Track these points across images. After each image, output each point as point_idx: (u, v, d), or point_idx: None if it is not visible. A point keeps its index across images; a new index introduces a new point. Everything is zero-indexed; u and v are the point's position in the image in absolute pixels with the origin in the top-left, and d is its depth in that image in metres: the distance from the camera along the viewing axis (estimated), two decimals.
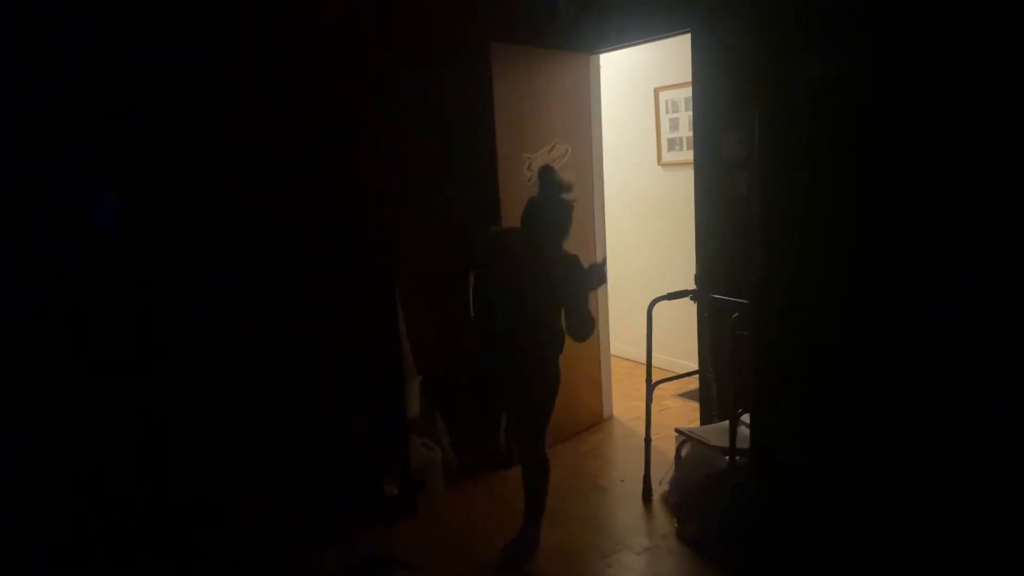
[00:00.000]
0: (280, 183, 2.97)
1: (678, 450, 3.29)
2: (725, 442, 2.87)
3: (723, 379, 3.35)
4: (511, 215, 3.62)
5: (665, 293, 3.33)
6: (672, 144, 4.95)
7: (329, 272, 3.11)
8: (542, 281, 2.68)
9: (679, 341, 4.58)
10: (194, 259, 2.80)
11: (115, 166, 2.68)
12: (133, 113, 2.67)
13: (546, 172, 2.77)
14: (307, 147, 3.03)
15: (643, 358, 3.40)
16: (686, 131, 4.78)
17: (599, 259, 2.98)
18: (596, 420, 4.28)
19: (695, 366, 3.67)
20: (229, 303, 2.87)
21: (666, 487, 3.32)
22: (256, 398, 2.93)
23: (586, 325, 2.72)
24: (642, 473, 3.39)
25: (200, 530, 2.83)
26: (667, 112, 4.92)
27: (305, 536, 3.02)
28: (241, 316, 2.89)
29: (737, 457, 2.84)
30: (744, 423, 2.87)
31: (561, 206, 2.73)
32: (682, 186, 4.69)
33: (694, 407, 4.06)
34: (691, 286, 3.49)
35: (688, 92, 4.40)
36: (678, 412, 4.38)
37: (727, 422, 2.89)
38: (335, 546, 3.03)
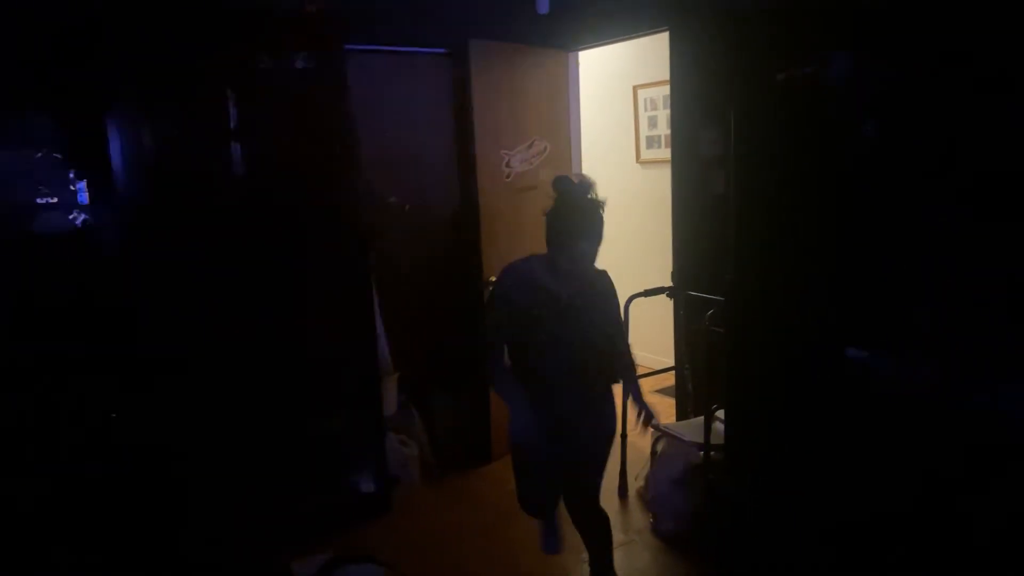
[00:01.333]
0: (256, 182, 2.93)
1: (654, 446, 3.32)
2: (700, 438, 2.90)
3: (699, 375, 3.37)
4: (489, 212, 3.62)
5: (642, 290, 3.35)
6: (651, 142, 4.97)
7: (305, 270, 3.08)
8: (590, 308, 2.32)
9: (656, 337, 4.61)
10: (167, 256, 2.77)
11: (80, 163, 2.63)
12: (100, 107, 2.63)
13: (563, 179, 2.32)
14: (283, 146, 3.00)
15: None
16: (664, 129, 4.81)
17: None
18: None
19: (672, 362, 3.69)
20: (203, 302, 2.84)
21: (642, 482, 3.34)
22: (231, 396, 2.91)
23: (630, 362, 2.42)
24: (618, 469, 3.41)
25: (172, 530, 2.80)
26: (646, 110, 4.94)
27: (279, 535, 3.00)
28: (216, 314, 2.86)
29: (712, 453, 2.86)
30: (719, 419, 2.90)
31: (591, 210, 2.29)
32: (660, 184, 4.71)
33: (670, 402, 4.09)
34: (668, 283, 3.51)
35: (667, 90, 4.42)
36: (655, 408, 4.38)
37: (702, 418, 2.92)
38: (309, 545, 3.01)
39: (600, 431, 2.45)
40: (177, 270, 2.78)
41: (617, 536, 3.05)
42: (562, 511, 2.63)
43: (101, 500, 2.65)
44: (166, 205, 2.77)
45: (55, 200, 2.52)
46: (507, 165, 3.73)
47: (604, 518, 2.51)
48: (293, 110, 3.01)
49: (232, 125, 2.85)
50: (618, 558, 2.91)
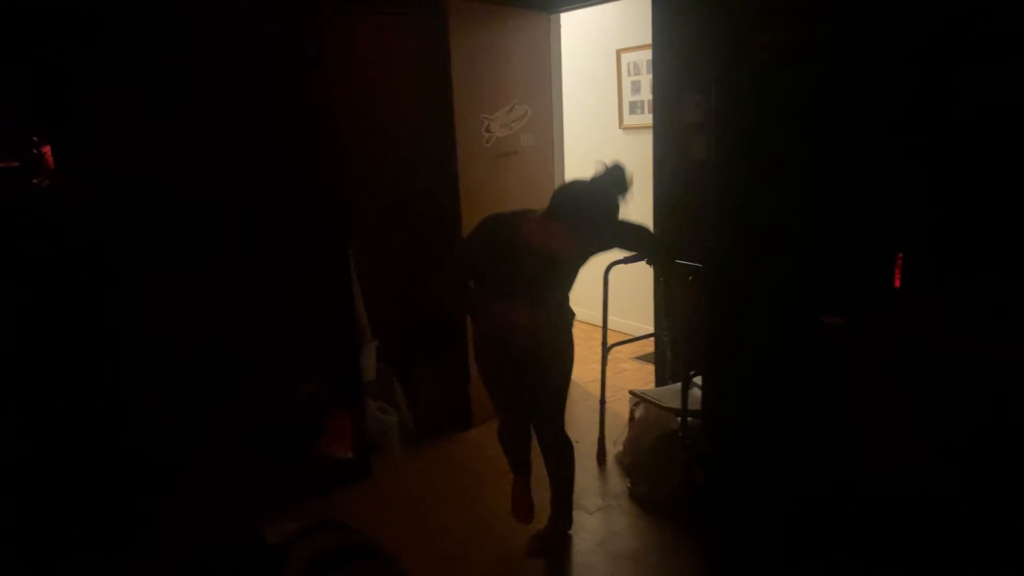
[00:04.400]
0: (229, 146, 2.86)
1: (632, 412, 3.33)
2: (677, 403, 2.91)
3: (677, 342, 3.38)
4: (469, 178, 3.57)
5: (622, 258, 3.33)
6: (634, 107, 4.92)
7: (281, 236, 3.03)
8: (560, 263, 2.39)
9: (636, 304, 4.62)
10: (142, 220, 2.70)
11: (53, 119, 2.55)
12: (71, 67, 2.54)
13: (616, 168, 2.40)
14: (260, 114, 2.93)
15: (600, 322, 3.41)
16: (648, 94, 4.75)
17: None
18: None
19: (651, 329, 3.70)
20: (179, 267, 2.79)
21: (620, 448, 3.37)
22: (208, 363, 2.87)
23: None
24: (596, 435, 3.44)
25: (148, 496, 2.79)
26: (629, 74, 4.88)
27: (257, 502, 3.00)
28: (191, 280, 2.82)
29: (689, 418, 2.88)
30: (696, 384, 2.92)
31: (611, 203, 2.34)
32: (643, 150, 4.66)
33: (650, 370, 4.11)
34: None
35: (650, 54, 4.37)
36: (634, 374, 4.43)
37: (680, 384, 2.93)
38: (288, 512, 3.02)
39: (566, 359, 2.61)
40: (150, 235, 2.72)
41: (595, 501, 3.09)
42: (537, 474, 2.79)
43: (70, 467, 2.63)
44: (139, 169, 2.70)
45: (16, 164, 2.45)
46: (487, 130, 3.67)
47: (569, 444, 2.70)
48: (263, 74, 2.93)
49: (202, 91, 2.78)
50: (595, 522, 2.94)
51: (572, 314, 2.64)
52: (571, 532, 2.85)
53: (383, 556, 1.62)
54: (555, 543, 2.77)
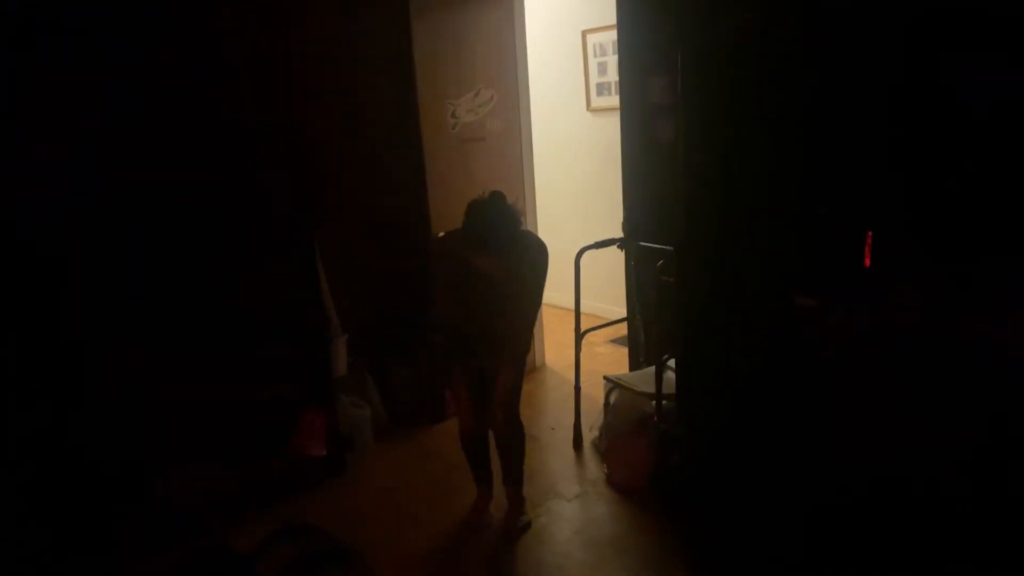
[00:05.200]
0: (192, 132, 2.77)
1: (607, 397, 3.32)
2: (652, 388, 2.90)
3: (650, 325, 3.37)
4: (435, 165, 3.51)
5: (593, 241, 3.30)
6: (601, 89, 4.87)
7: (245, 229, 2.95)
8: (510, 269, 2.50)
9: (609, 288, 4.59)
10: (104, 210, 2.61)
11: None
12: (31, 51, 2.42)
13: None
14: (219, 102, 2.83)
15: (573, 306, 3.39)
16: (615, 76, 4.70)
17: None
18: (528, 369, 4.27)
19: (624, 313, 3.68)
20: (141, 260, 2.70)
21: (596, 434, 3.36)
22: (175, 361, 2.79)
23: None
24: (571, 421, 3.42)
25: (117, 499, 2.72)
26: (595, 56, 4.83)
27: (229, 502, 2.94)
28: (154, 274, 2.73)
29: (664, 402, 2.87)
30: (670, 368, 2.91)
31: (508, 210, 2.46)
32: (611, 132, 4.62)
33: (624, 353, 4.09)
34: (619, 233, 3.47)
35: (616, 35, 4.31)
36: (609, 358, 4.42)
37: (654, 368, 2.92)
38: (261, 511, 2.96)
39: (523, 338, 2.70)
40: (108, 229, 2.63)
41: (571, 488, 3.08)
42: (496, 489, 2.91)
43: (36, 468, 2.54)
44: (97, 161, 2.60)
45: None
46: (452, 116, 3.60)
47: (520, 426, 2.78)
48: (223, 64, 2.83)
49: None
50: (573, 510, 2.93)
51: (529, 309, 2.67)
52: (542, 518, 2.83)
53: (354, 560, 1.58)
54: (512, 535, 2.78)
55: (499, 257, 2.46)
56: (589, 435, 3.41)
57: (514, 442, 2.79)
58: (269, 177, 3.00)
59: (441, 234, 2.75)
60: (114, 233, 2.65)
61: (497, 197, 2.46)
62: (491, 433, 2.81)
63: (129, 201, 2.67)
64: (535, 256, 2.57)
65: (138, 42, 2.63)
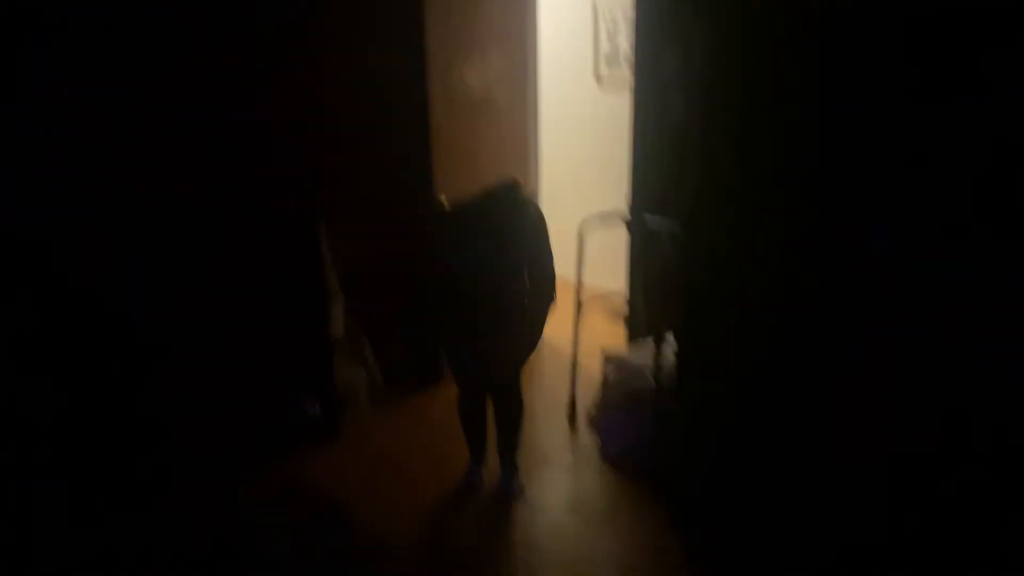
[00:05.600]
0: (198, 106, 2.72)
1: (604, 371, 3.33)
2: (649, 363, 2.91)
3: (651, 300, 3.37)
4: (441, 128, 3.46)
5: (596, 213, 3.28)
6: (611, 61, 4.80)
7: (249, 192, 2.90)
8: (513, 256, 2.58)
9: (609, 262, 4.58)
10: (105, 198, 2.57)
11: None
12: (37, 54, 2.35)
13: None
14: (227, 64, 2.76)
15: (574, 278, 3.38)
16: (624, 46, 4.63)
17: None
18: None
19: (624, 287, 3.68)
20: (143, 221, 2.66)
21: (591, 407, 3.37)
22: (173, 318, 2.77)
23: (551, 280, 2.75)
24: (567, 394, 3.43)
25: (109, 456, 2.71)
26: (606, 26, 4.74)
27: (224, 461, 2.94)
28: (156, 232, 2.69)
29: (661, 379, 2.88)
30: (669, 344, 2.91)
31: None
32: (619, 104, 4.57)
33: (622, 327, 4.10)
34: (623, 206, 3.45)
35: (627, 4, 4.24)
36: (605, 332, 4.42)
37: (651, 342, 2.92)
38: (256, 471, 2.98)
39: (519, 341, 2.73)
40: (112, 190, 2.58)
41: (565, 458, 3.10)
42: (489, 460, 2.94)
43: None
44: (103, 156, 2.55)
45: None
46: (460, 79, 3.54)
47: (520, 401, 2.82)
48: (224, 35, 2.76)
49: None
50: (567, 482, 2.96)
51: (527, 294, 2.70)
52: (534, 485, 2.85)
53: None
54: (505, 502, 2.82)
55: (505, 245, 2.55)
56: (584, 408, 3.42)
57: (513, 415, 2.81)
58: (275, 140, 2.95)
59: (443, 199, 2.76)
60: (119, 203, 2.62)
61: (510, 189, 2.58)
62: (489, 403, 2.82)
63: (131, 183, 2.63)
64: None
65: (144, 35, 2.57)
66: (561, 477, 2.98)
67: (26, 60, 2.38)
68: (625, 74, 4.58)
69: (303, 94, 3.06)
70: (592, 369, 3.64)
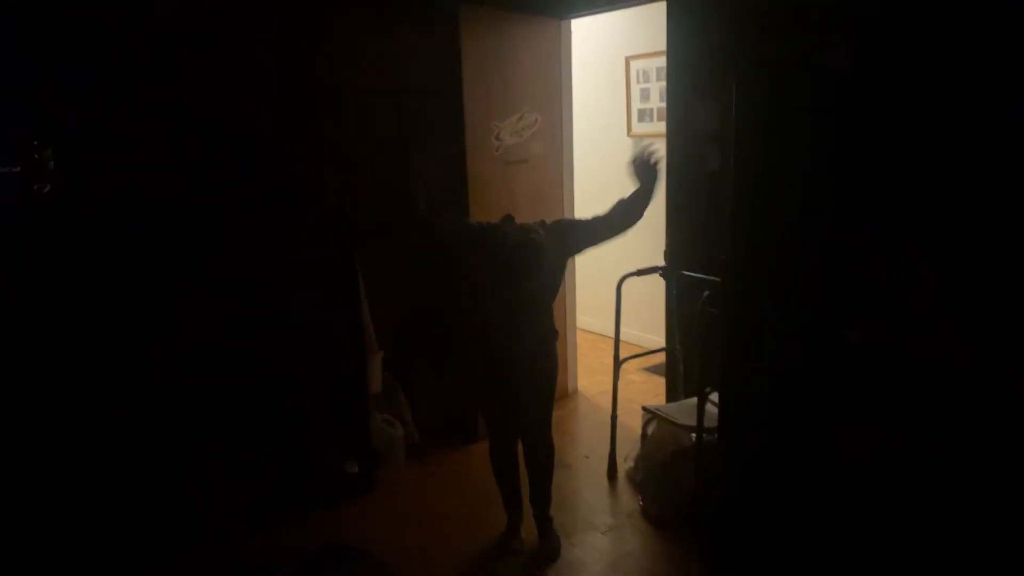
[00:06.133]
0: (241, 155, 2.80)
1: (644, 427, 3.27)
2: (692, 420, 2.84)
3: (691, 356, 3.31)
4: (478, 185, 3.51)
5: (634, 269, 3.27)
6: (642, 115, 4.86)
7: (289, 246, 2.96)
8: (536, 263, 2.52)
9: (646, 315, 4.55)
10: (145, 227, 2.63)
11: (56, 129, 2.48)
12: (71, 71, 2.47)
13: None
14: (268, 120, 2.86)
15: (608, 331, 3.35)
16: (657, 102, 4.70)
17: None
18: (560, 395, 4.23)
19: (661, 340, 3.63)
20: (182, 274, 2.72)
21: (631, 464, 3.30)
22: (212, 374, 2.80)
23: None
24: (607, 450, 3.36)
25: (150, 509, 2.72)
26: (638, 82, 4.82)
27: (261, 516, 2.92)
28: (197, 289, 2.75)
29: (704, 435, 2.81)
30: (712, 402, 2.85)
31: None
32: None
33: (659, 382, 4.04)
34: (660, 261, 3.43)
35: (660, 62, 4.31)
36: (643, 387, 4.36)
37: (694, 400, 2.86)
38: (293, 526, 2.95)
39: (551, 362, 2.72)
40: (153, 242, 2.65)
41: (605, 519, 3.02)
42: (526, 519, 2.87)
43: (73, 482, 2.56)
44: (144, 176, 2.62)
45: (17, 169, 2.38)
46: (497, 138, 3.61)
47: (550, 447, 2.78)
48: (273, 81, 2.86)
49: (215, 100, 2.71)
50: (607, 543, 2.87)
51: (555, 332, 2.72)
52: (576, 549, 2.78)
53: None
54: (543, 562, 2.74)
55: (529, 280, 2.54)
56: (624, 465, 3.35)
57: (543, 460, 2.77)
58: (316, 195, 3.02)
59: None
60: (160, 240, 2.68)
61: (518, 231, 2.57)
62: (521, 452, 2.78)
63: (176, 219, 2.69)
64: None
65: (189, 60, 2.68)
66: (601, 537, 2.90)
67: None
68: (657, 127, 4.63)
69: (343, 150, 3.14)
70: (632, 425, 3.58)
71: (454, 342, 2.92)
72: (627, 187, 4.30)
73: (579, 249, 2.72)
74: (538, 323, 2.64)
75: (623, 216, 2.67)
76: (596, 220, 2.67)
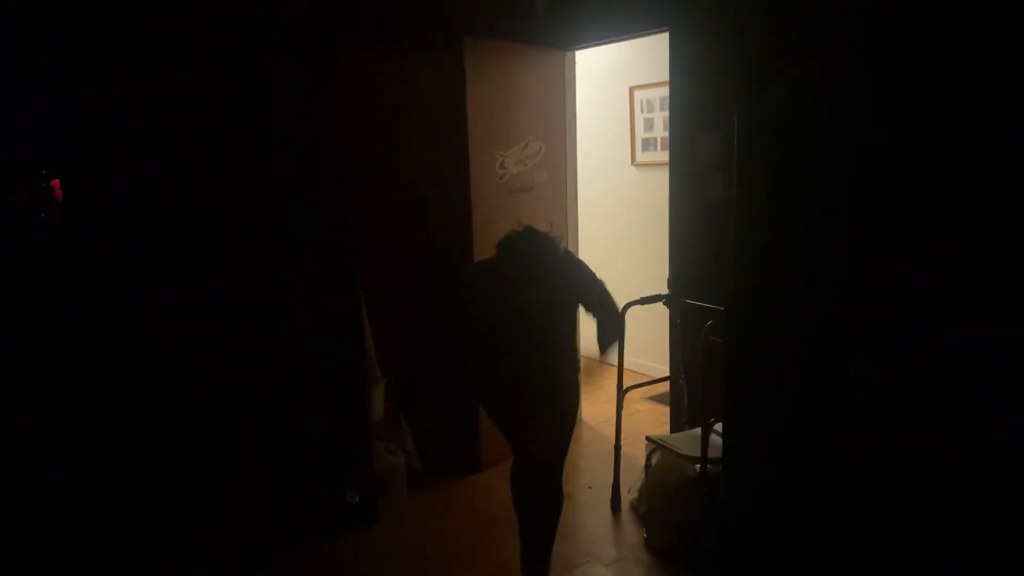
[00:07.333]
0: (243, 179, 2.82)
1: (648, 458, 3.23)
2: (696, 451, 2.81)
3: (695, 386, 3.29)
4: (482, 213, 3.52)
5: (638, 297, 3.26)
6: (646, 144, 4.89)
7: (292, 272, 2.97)
8: (551, 300, 2.46)
9: (650, 344, 4.53)
10: (149, 251, 2.65)
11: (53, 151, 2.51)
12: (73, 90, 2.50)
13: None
14: (272, 144, 2.88)
15: (611, 360, 3.33)
16: (661, 131, 4.73)
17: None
18: None
19: (666, 369, 3.61)
20: (183, 303, 2.72)
21: (635, 495, 3.26)
22: (211, 403, 2.79)
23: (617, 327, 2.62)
24: (610, 480, 3.33)
25: (145, 545, 2.69)
26: (642, 112, 4.86)
27: (262, 549, 2.89)
28: (198, 317, 2.75)
29: (708, 466, 2.78)
30: (716, 432, 2.82)
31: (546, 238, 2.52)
32: (656, 187, 4.63)
33: (663, 411, 4.01)
34: (664, 289, 3.43)
35: (663, 92, 4.34)
36: (647, 416, 4.32)
37: (699, 430, 2.84)
38: (294, 558, 2.91)
39: (571, 406, 2.59)
40: (154, 269, 2.66)
41: (609, 551, 2.98)
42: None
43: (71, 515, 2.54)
44: (148, 199, 2.64)
45: (25, 198, 2.40)
46: (501, 167, 3.63)
47: (560, 494, 2.59)
48: (277, 106, 2.90)
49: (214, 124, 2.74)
50: (607, 573, 2.82)
51: (577, 366, 2.64)
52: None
53: None
54: None
55: (541, 287, 2.43)
56: (628, 497, 3.31)
57: (548, 509, 2.57)
58: (320, 222, 3.04)
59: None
60: (164, 263, 2.68)
61: (531, 230, 2.50)
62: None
63: (176, 247, 2.70)
64: (585, 273, 2.61)
65: (196, 83, 2.71)
66: (605, 570, 2.85)
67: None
68: (660, 156, 4.66)
69: (350, 177, 3.16)
70: (636, 455, 3.54)
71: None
72: (630, 217, 4.42)
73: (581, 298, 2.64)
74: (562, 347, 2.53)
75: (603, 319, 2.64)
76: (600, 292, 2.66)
